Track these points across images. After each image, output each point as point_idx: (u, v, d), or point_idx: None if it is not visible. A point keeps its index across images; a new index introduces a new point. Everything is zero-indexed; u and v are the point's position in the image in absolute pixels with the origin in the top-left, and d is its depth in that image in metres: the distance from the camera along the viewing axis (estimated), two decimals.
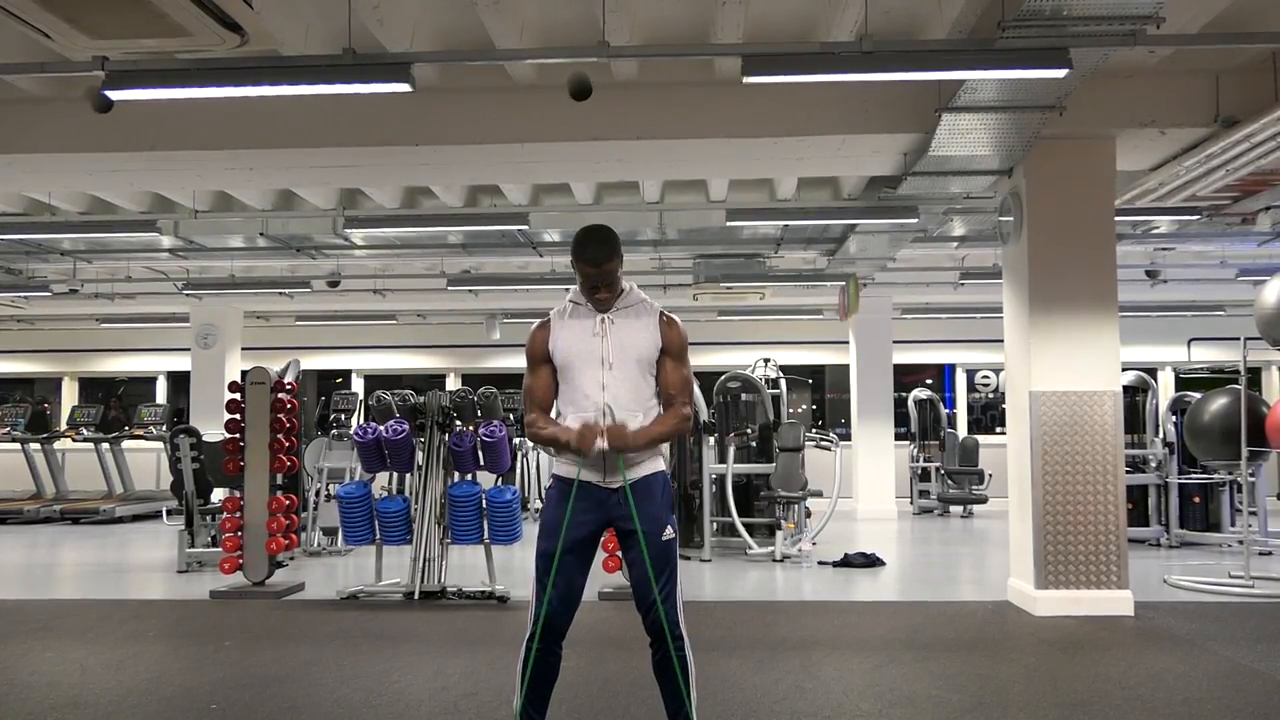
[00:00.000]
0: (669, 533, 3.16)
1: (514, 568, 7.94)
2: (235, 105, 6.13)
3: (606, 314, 3.21)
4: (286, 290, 11.77)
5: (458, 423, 7.27)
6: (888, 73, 5.01)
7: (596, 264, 3.16)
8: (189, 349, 13.88)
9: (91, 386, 17.04)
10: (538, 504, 12.29)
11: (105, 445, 13.49)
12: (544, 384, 3.26)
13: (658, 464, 3.22)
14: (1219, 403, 8.24)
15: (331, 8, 5.16)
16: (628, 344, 3.17)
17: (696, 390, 9.11)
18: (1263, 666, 4.96)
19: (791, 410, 12.68)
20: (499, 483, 8.76)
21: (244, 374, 7.48)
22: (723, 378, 10.27)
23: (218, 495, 9.31)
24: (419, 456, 7.17)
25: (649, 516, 3.13)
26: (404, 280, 12.10)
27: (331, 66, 4.89)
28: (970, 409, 16.10)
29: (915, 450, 13.82)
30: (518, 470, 12.61)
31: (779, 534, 8.91)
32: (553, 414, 3.24)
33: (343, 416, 11.75)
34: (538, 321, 3.32)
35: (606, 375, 3.14)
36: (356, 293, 12.51)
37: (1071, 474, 6.23)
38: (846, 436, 13.55)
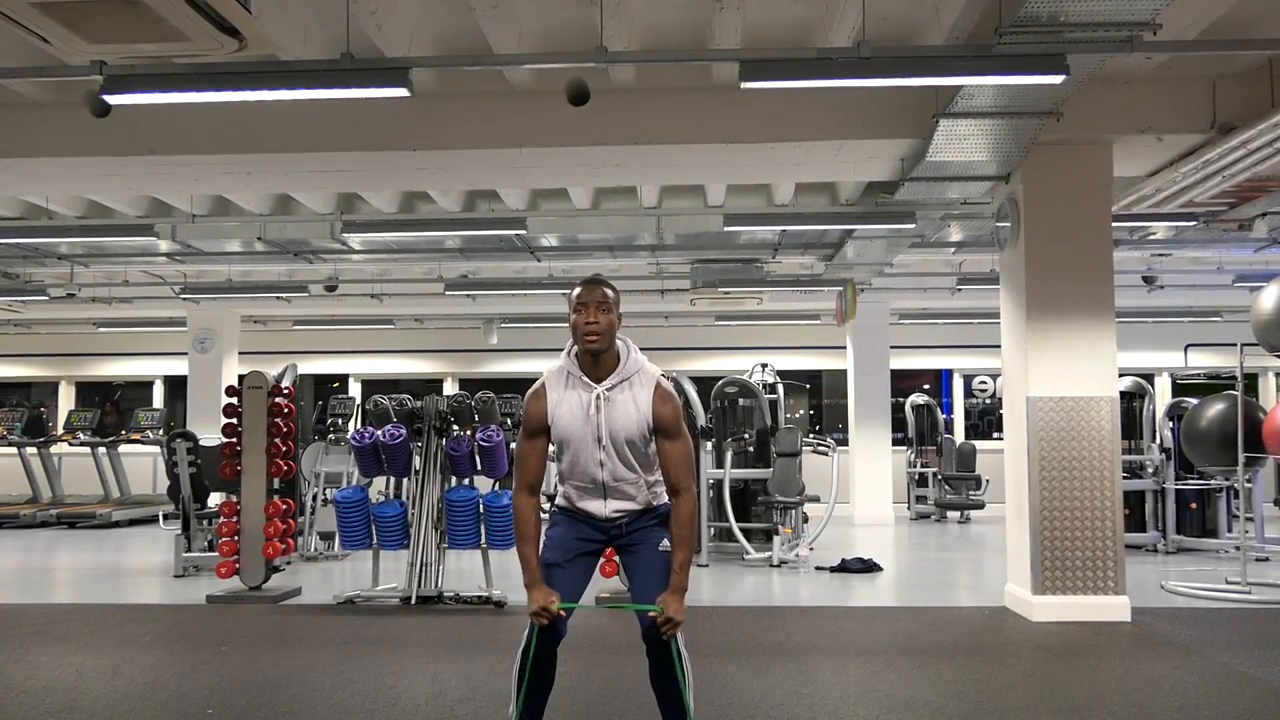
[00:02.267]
0: (666, 543, 3.16)
1: (511, 573, 7.87)
2: (233, 110, 6.13)
3: (601, 390, 3.10)
4: (284, 294, 11.76)
5: (455, 427, 7.26)
6: (885, 78, 5.01)
7: (592, 289, 3.09)
8: (186, 353, 13.88)
9: (88, 391, 17.01)
10: None
11: (102, 449, 13.47)
12: (536, 457, 3.19)
13: (659, 499, 3.23)
14: (1216, 408, 8.25)
15: (329, 13, 5.17)
16: (620, 425, 3.10)
17: (693, 393, 9.14)
18: (1259, 672, 4.96)
19: (789, 415, 12.69)
20: (496, 487, 8.76)
21: (241, 378, 7.47)
22: (720, 383, 10.27)
23: (214, 499, 9.30)
24: (416, 461, 7.16)
25: (648, 530, 3.17)
26: (401, 285, 12.10)
27: (329, 71, 4.89)
28: (967, 414, 16.11)
29: (912, 455, 13.83)
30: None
31: (776, 539, 8.91)
32: (551, 474, 3.24)
33: (340, 421, 11.73)
34: (534, 387, 3.21)
35: (603, 454, 3.12)
36: (354, 297, 12.51)
37: (1068, 479, 6.23)
38: (844, 442, 13.54)
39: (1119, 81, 6.05)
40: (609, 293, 3.12)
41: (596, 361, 3.12)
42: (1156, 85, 6.08)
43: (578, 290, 3.13)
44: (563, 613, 3.02)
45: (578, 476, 3.17)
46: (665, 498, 3.22)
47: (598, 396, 3.10)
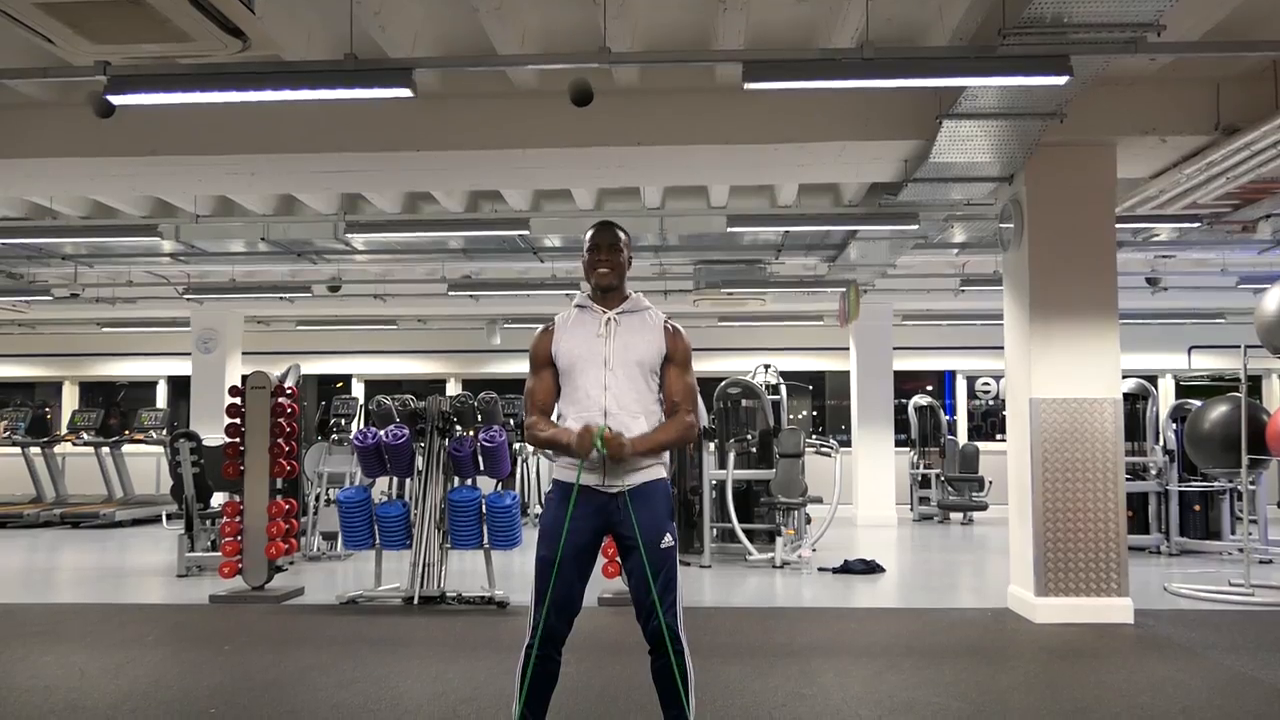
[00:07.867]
0: (669, 540, 3.15)
1: (513, 573, 7.93)
2: (237, 110, 6.14)
3: (611, 314, 3.22)
4: (287, 295, 11.77)
5: (458, 428, 7.26)
6: (889, 79, 5.02)
7: (604, 230, 3.26)
8: (189, 353, 13.89)
9: (92, 391, 17.04)
10: (537, 509, 12.28)
11: (105, 449, 13.48)
12: (545, 387, 3.27)
13: (658, 471, 3.21)
14: (1219, 410, 8.24)
15: (333, 13, 5.17)
16: (631, 346, 3.18)
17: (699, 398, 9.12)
18: (1263, 674, 4.95)
19: (792, 416, 12.69)
20: (499, 488, 8.76)
21: (244, 378, 7.48)
22: (723, 383, 10.26)
23: (218, 500, 9.31)
24: (419, 461, 7.17)
25: (649, 524, 3.11)
26: (405, 285, 12.10)
27: (333, 72, 4.90)
28: (970, 416, 16.09)
29: (915, 457, 13.81)
30: (517, 475, 12.60)
31: (779, 540, 8.90)
32: (554, 416, 3.24)
33: (343, 421, 11.73)
34: (542, 326, 3.34)
35: (609, 376, 3.14)
36: (357, 298, 12.52)
37: (1072, 481, 6.22)
38: (846, 443, 13.54)
39: (1123, 83, 6.04)
40: (620, 235, 3.29)
41: (607, 295, 3.26)
42: (1160, 87, 6.08)
43: (590, 233, 3.30)
44: (608, 431, 3.02)
45: (579, 401, 3.15)
46: (663, 470, 3.23)
47: (608, 320, 3.21)
